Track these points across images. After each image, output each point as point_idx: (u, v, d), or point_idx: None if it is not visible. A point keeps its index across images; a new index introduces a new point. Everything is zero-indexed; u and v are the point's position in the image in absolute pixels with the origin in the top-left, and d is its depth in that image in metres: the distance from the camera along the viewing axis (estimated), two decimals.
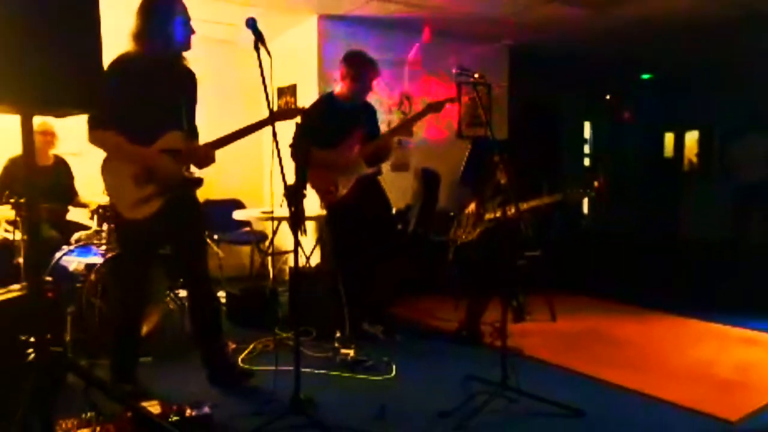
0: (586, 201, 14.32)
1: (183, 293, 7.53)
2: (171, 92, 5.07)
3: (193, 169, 5.25)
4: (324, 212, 7.16)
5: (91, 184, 9.21)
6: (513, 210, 5.99)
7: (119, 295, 5.40)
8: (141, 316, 5.41)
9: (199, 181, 5.27)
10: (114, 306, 5.37)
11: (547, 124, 14.51)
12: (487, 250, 6.92)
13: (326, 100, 6.71)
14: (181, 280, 7.41)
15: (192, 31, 4.99)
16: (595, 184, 6.57)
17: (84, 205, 8.04)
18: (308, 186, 5.91)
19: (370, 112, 6.76)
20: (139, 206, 4.91)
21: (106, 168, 4.97)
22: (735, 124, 10.53)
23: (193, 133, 5.28)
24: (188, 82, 5.27)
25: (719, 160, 13.14)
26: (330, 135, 6.55)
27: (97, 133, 4.82)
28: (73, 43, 3.18)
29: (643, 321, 7.87)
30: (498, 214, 6.81)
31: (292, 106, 5.19)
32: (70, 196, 8.06)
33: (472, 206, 7.08)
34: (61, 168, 8.11)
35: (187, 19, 4.96)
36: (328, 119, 6.56)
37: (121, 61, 4.83)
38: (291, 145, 6.45)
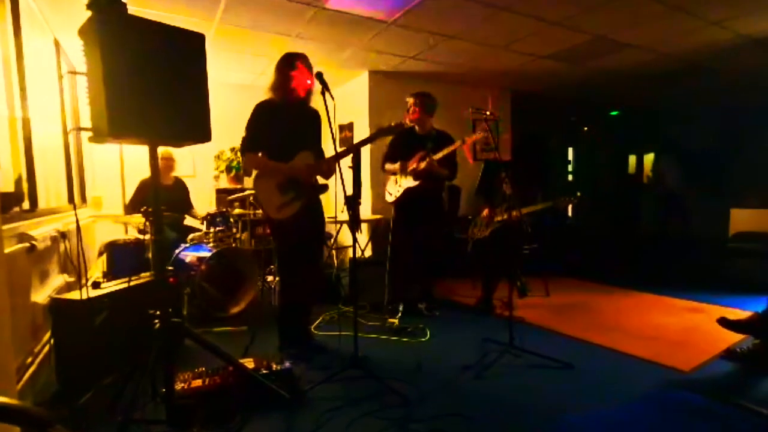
0: (570, 207, 14.25)
1: (270, 278, 7.57)
2: (300, 125, 5.22)
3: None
4: (373, 217, 7.12)
5: (200, 197, 9.29)
6: (516, 213, 5.98)
7: (281, 278, 5.37)
8: (301, 294, 5.40)
9: (325, 187, 5.34)
10: (280, 287, 5.37)
11: (540, 150, 14.52)
12: (497, 243, 6.92)
13: (407, 131, 6.71)
14: (272, 267, 7.47)
15: (309, 85, 5.13)
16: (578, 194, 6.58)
17: (196, 216, 8.09)
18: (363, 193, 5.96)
19: (440, 139, 6.72)
20: (283, 209, 5.04)
21: (257, 182, 5.11)
22: (672, 149, 10.49)
23: (319, 154, 5.35)
24: (313, 118, 5.39)
25: (654, 173, 13.08)
26: (404, 156, 6.64)
27: (247, 156, 5.10)
28: (187, 90, 3.20)
29: (614, 296, 7.79)
30: (505, 217, 6.81)
31: (392, 124, 5.24)
32: (187, 208, 8.10)
33: (485, 211, 7.09)
34: (180, 186, 8.14)
35: (304, 76, 5.10)
36: (403, 143, 6.67)
37: (262, 105, 5.15)
38: (382, 164, 6.92)
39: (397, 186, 6.70)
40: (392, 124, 5.24)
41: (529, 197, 6.83)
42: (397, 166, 6.68)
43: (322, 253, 5.73)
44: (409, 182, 6.54)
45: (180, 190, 8.13)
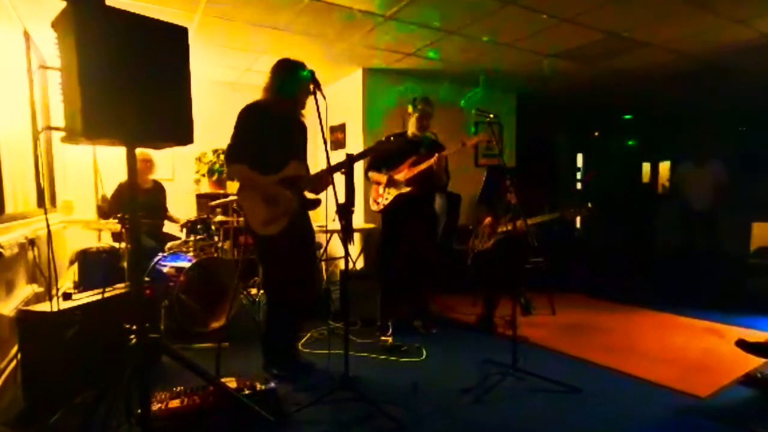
0: (579, 218, 14.27)
1: (254, 291, 7.57)
2: (291, 133, 5.20)
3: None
4: (366, 226, 7.12)
5: (179, 202, 9.29)
6: (521, 224, 5.99)
7: (268, 295, 5.34)
8: (289, 311, 5.36)
9: (317, 202, 5.29)
10: (267, 303, 5.35)
11: (547, 155, 14.55)
12: (500, 256, 6.93)
13: (402, 134, 6.75)
14: (254, 280, 7.46)
15: (307, 93, 5.03)
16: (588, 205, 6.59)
17: (173, 220, 8.10)
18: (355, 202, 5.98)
19: (433, 145, 6.74)
20: (269, 225, 4.98)
21: (242, 194, 5.07)
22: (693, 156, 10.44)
23: (307, 169, 5.32)
24: (302, 128, 5.38)
25: (671, 186, 13.01)
26: (393, 159, 6.64)
27: (233, 167, 5.03)
28: (168, 88, 3.21)
29: (626, 314, 7.81)
30: (509, 228, 6.83)
31: (392, 138, 5.29)
32: (164, 213, 8.11)
33: (487, 220, 7.10)
34: (159, 190, 8.18)
35: (298, 82, 5.01)
36: (395, 149, 6.61)
37: (250, 109, 5.04)
38: (366, 171, 6.91)
39: (385, 192, 6.69)
40: (391, 137, 5.27)
41: (536, 207, 6.84)
42: (383, 178, 6.67)
43: (314, 266, 5.72)
44: (401, 189, 6.55)
45: (158, 194, 8.16)
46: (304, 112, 5.30)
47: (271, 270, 5.24)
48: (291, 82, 5.01)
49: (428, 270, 6.84)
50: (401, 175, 6.56)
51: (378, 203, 6.76)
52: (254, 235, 5.09)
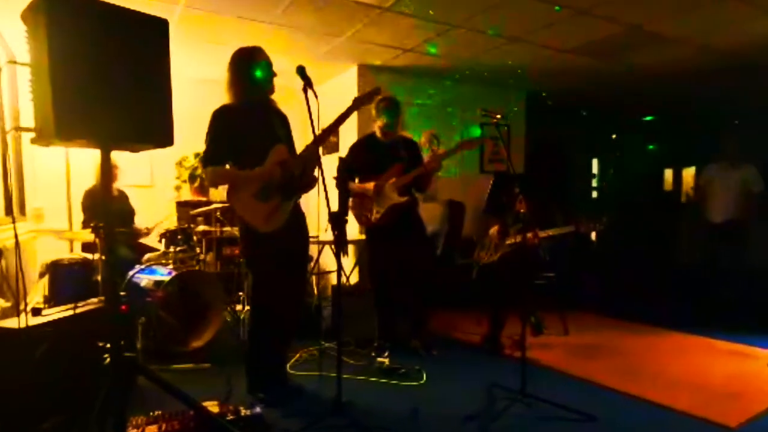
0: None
1: (239, 307, 7.59)
2: (268, 124, 5.19)
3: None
4: (361, 237, 7.14)
5: (157, 210, 9.30)
6: (531, 236, 6.00)
7: (256, 305, 5.30)
8: (278, 325, 5.33)
9: (314, 181, 5.21)
10: (253, 316, 5.33)
11: (559, 161, 14.50)
12: (507, 271, 6.92)
13: (368, 138, 6.76)
14: (239, 295, 7.47)
15: (272, 74, 5.13)
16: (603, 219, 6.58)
17: (139, 232, 8.10)
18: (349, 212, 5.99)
19: (411, 146, 6.80)
20: (272, 217, 5.00)
21: (232, 197, 5.06)
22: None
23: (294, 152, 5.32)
24: (282, 119, 5.39)
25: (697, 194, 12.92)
26: (370, 168, 6.60)
27: (210, 170, 5.04)
28: (147, 85, 3.22)
29: (645, 335, 7.82)
30: (517, 240, 6.83)
31: (367, 90, 5.29)
32: (130, 224, 8.12)
33: (495, 228, 7.09)
34: (123, 199, 8.21)
35: (266, 65, 5.11)
36: (368, 155, 6.63)
37: (219, 112, 5.10)
38: (336, 177, 6.53)
39: (375, 205, 6.64)
40: (366, 90, 5.28)
41: (547, 217, 6.84)
42: (369, 186, 6.63)
43: (306, 274, 5.75)
44: (394, 199, 6.53)
45: (125, 203, 8.18)
46: (290, 110, 5.32)
47: (264, 274, 5.21)
48: (255, 71, 5.09)
49: (425, 284, 6.87)
50: (390, 184, 6.55)
51: (366, 218, 6.72)
52: (249, 238, 5.10)
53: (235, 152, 5.03)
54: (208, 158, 5.00)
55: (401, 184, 6.49)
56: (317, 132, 4.52)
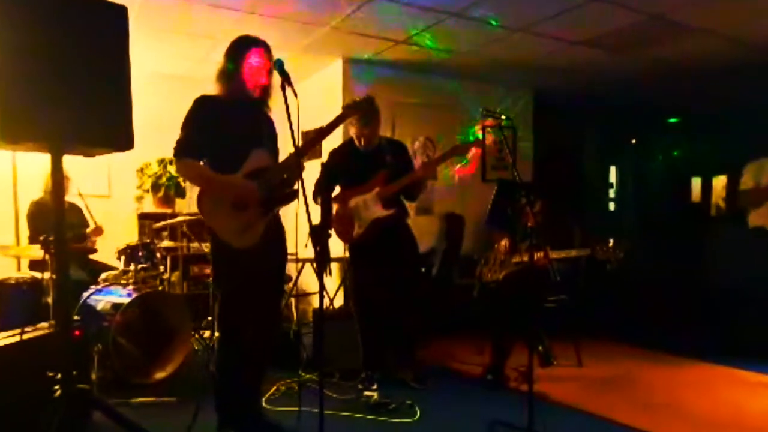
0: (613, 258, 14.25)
1: (208, 333, 7.59)
2: (253, 125, 5.15)
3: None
4: (347, 255, 7.12)
5: (116, 224, 9.28)
6: (541, 255, 5.99)
7: (224, 330, 5.28)
8: (250, 354, 5.28)
9: (294, 194, 5.12)
10: (221, 343, 5.33)
11: (571, 168, 14.53)
12: (513, 292, 6.92)
13: (350, 143, 6.76)
14: (208, 320, 7.47)
15: (262, 79, 5.06)
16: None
17: (90, 249, 8.08)
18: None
19: (398, 150, 6.81)
20: (246, 232, 4.92)
21: (204, 202, 4.97)
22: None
23: (276, 159, 5.27)
24: (269, 124, 5.37)
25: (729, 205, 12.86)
26: (352, 177, 6.62)
27: (183, 162, 5.01)
28: (103, 81, 3.23)
29: (670, 367, 7.82)
30: (524, 258, 6.81)
31: (356, 99, 5.28)
32: (82, 239, 8.09)
33: (504, 242, 7.07)
34: (74, 211, 8.13)
35: (259, 67, 5.04)
36: (349, 162, 6.64)
37: (203, 99, 5.07)
38: (316, 186, 6.61)
39: (357, 218, 6.59)
40: (356, 99, 5.27)
41: (565, 235, 6.84)
42: (344, 203, 6.62)
43: (282, 296, 5.73)
44: (377, 212, 6.51)
45: (73, 217, 8.13)
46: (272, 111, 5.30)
47: (232, 298, 5.16)
48: (234, 64, 5.04)
49: (418, 308, 6.88)
50: (372, 195, 6.53)
51: (348, 233, 6.67)
52: (219, 253, 5.09)
53: (213, 148, 4.99)
54: (183, 148, 4.93)
55: (386, 195, 6.48)
56: (296, 134, 4.51)
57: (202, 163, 5.03)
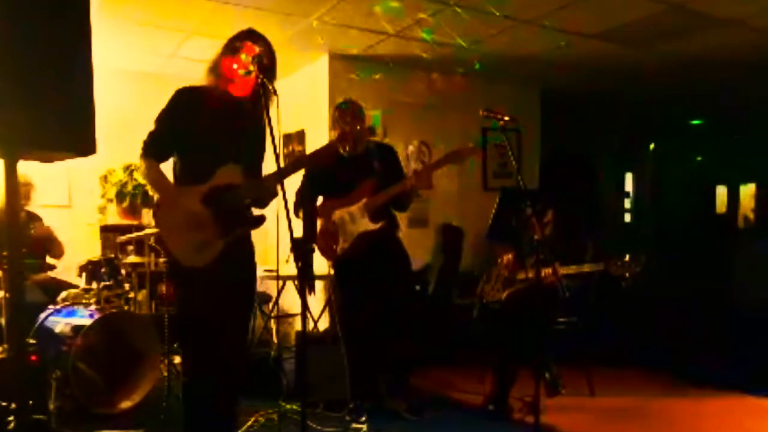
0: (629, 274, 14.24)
1: (177, 359, 7.60)
2: (234, 129, 5.06)
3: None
4: (333, 272, 7.11)
5: (76, 238, 9.28)
6: (548, 272, 5.99)
7: (186, 360, 5.31)
8: (215, 386, 5.23)
9: (259, 220, 5.10)
10: (184, 373, 5.32)
11: (583, 175, 14.47)
12: (517, 313, 6.92)
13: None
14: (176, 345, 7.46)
15: (252, 79, 4.85)
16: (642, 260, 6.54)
17: (51, 267, 8.07)
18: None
19: (387, 155, 6.83)
20: (199, 253, 4.82)
21: (160, 212, 4.98)
22: None
23: (254, 175, 5.14)
24: (257, 127, 5.21)
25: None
26: (334, 186, 6.61)
27: (148, 162, 4.94)
28: (61, 77, 3.23)
29: (693, 397, 7.80)
30: (530, 275, 6.81)
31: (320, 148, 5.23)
32: (44, 255, 8.11)
33: (507, 257, 7.07)
34: (34, 224, 8.07)
35: (251, 65, 4.82)
36: (331, 169, 6.59)
37: (184, 93, 5.04)
38: (297, 196, 6.59)
39: (342, 233, 6.57)
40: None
41: (575, 249, 6.85)
42: (326, 219, 6.59)
43: (249, 319, 5.70)
44: (364, 225, 6.50)
45: (36, 229, 8.09)
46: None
47: (190, 321, 5.14)
48: (226, 59, 4.97)
49: (411, 331, 6.89)
50: (359, 206, 6.51)
51: (332, 249, 6.65)
52: (172, 270, 5.11)
53: (184, 150, 4.97)
54: (147, 146, 4.93)
55: (374, 206, 6.47)
56: (275, 133, 4.48)
57: (173, 161, 5.00)
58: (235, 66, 4.91)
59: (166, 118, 4.96)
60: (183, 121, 4.93)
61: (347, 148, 6.58)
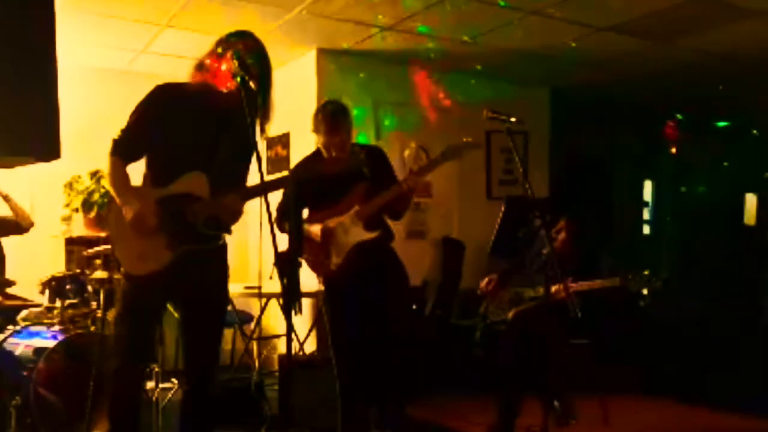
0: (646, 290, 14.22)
1: (150, 384, 7.60)
2: (210, 130, 5.04)
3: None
4: (321, 288, 7.11)
5: (38, 250, 9.28)
6: (559, 289, 5.99)
7: (112, 370, 5.20)
8: (138, 401, 5.32)
9: (215, 239, 5.11)
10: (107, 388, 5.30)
11: (597, 182, 14.45)
12: (523, 335, 6.92)
13: (316, 155, 6.70)
14: (152, 367, 7.47)
15: (237, 79, 4.66)
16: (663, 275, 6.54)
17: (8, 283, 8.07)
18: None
19: (378, 158, 6.79)
20: (144, 260, 4.81)
21: (113, 213, 4.97)
22: None
23: (231, 188, 5.02)
24: (237, 130, 5.06)
25: None
26: (321, 195, 6.56)
27: (113, 161, 4.90)
28: (22, 76, 3.25)
29: (718, 427, 7.82)
30: (539, 293, 6.81)
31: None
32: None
33: (489, 276, 7.07)
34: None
35: (241, 64, 4.70)
36: (314, 180, 6.53)
37: (163, 89, 5.03)
38: (279, 209, 6.49)
39: (334, 246, 6.54)
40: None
41: (585, 260, 6.87)
42: (317, 230, 6.55)
43: (218, 336, 5.62)
44: (359, 235, 6.49)
45: None
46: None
47: (126, 338, 5.04)
48: (215, 55, 4.95)
49: (405, 351, 6.88)
50: (351, 215, 6.48)
51: (324, 264, 6.62)
52: (124, 277, 5.03)
53: (156, 150, 4.96)
54: (117, 143, 4.90)
55: (368, 213, 6.45)
56: (259, 136, 4.47)
57: (145, 160, 5.01)
58: (224, 67, 4.88)
59: (140, 115, 4.94)
60: (157, 120, 4.92)
61: (332, 154, 6.52)
